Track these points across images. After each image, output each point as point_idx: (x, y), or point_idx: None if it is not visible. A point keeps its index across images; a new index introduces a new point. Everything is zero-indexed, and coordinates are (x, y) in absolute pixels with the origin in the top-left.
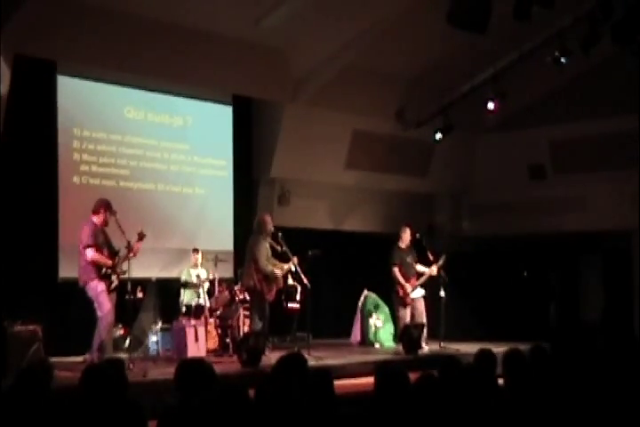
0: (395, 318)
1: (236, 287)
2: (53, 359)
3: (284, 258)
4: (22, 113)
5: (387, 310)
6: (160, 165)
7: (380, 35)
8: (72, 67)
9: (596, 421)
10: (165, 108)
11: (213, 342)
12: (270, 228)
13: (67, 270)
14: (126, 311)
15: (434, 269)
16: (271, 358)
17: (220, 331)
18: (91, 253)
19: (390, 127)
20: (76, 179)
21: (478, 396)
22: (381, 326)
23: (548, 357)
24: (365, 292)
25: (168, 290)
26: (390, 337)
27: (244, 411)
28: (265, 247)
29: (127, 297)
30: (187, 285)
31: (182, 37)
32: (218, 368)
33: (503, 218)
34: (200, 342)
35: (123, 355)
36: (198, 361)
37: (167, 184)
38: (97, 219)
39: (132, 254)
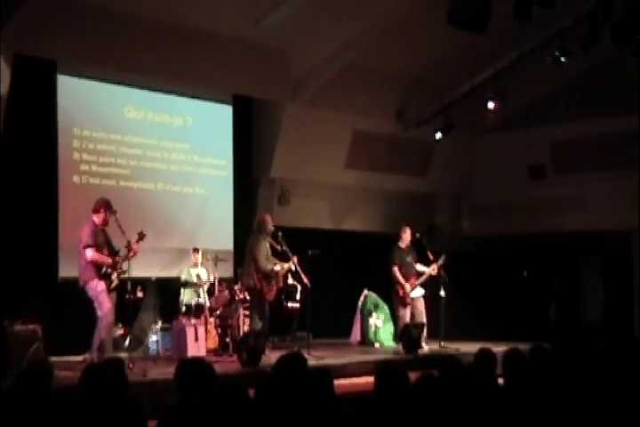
0: (395, 317)
1: (236, 287)
2: (53, 359)
3: (283, 258)
4: (22, 113)
5: (387, 309)
6: (160, 165)
7: (380, 35)
8: (72, 66)
9: (596, 421)
10: (165, 108)
11: (213, 342)
12: (270, 227)
13: (67, 270)
14: (126, 311)
15: (434, 269)
16: (271, 357)
17: (219, 330)
18: (90, 253)
19: (390, 127)
20: (76, 178)
21: (478, 396)
22: (381, 325)
23: (548, 357)
24: (365, 291)
25: (168, 289)
26: (390, 337)
27: (244, 411)
28: (265, 247)
29: (127, 297)
30: (187, 284)
31: (182, 37)
32: (218, 368)
33: (503, 218)
34: (200, 341)
35: (123, 354)
36: (198, 361)
37: (167, 184)
38: (97, 218)
39: (132, 254)
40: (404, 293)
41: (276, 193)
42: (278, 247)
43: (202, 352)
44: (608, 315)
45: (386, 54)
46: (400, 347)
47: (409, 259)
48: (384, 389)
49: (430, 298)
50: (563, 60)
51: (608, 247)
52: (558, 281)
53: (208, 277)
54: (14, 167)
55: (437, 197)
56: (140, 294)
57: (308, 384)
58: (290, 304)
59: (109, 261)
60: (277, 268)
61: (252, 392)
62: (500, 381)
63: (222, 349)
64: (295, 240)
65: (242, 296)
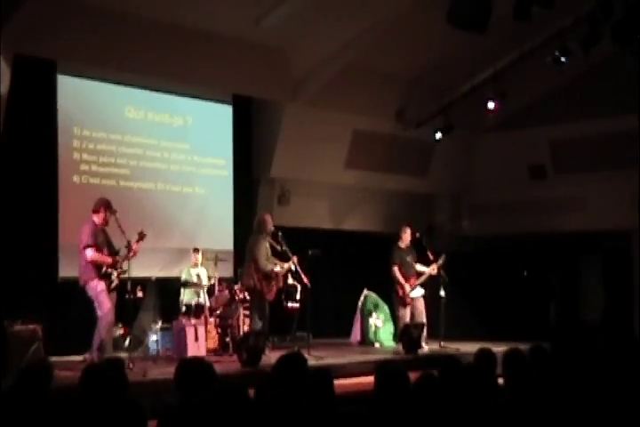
0: (395, 317)
1: (236, 287)
2: (53, 359)
3: (283, 257)
4: (22, 113)
5: (387, 309)
6: (160, 165)
7: (379, 35)
8: (72, 66)
9: (596, 421)
10: (165, 108)
11: (213, 342)
12: (270, 227)
13: (67, 270)
14: (126, 311)
15: (434, 269)
16: (271, 357)
17: (219, 330)
18: (90, 253)
19: (390, 127)
20: (76, 178)
21: (478, 396)
22: (381, 325)
23: (548, 357)
24: (365, 291)
25: (168, 289)
26: (390, 337)
27: (244, 411)
28: (265, 247)
29: (127, 296)
30: (187, 284)
31: (182, 37)
32: (218, 368)
33: (503, 218)
34: (200, 341)
35: (123, 354)
36: (198, 361)
37: (167, 184)
38: (97, 218)
39: (132, 254)
40: (404, 293)
41: (276, 193)
42: (278, 247)
43: (202, 352)
44: (608, 315)
45: (386, 54)
46: (400, 347)
47: (409, 259)
48: (384, 389)
49: (430, 298)
50: (563, 60)
51: (608, 247)
52: (558, 281)
53: (208, 277)
54: (14, 167)
55: (437, 197)
56: (140, 294)
57: (308, 384)
58: (290, 304)
59: (109, 261)
60: (277, 269)
61: (252, 392)
62: (500, 381)
63: (222, 349)
64: (295, 240)
65: (242, 296)
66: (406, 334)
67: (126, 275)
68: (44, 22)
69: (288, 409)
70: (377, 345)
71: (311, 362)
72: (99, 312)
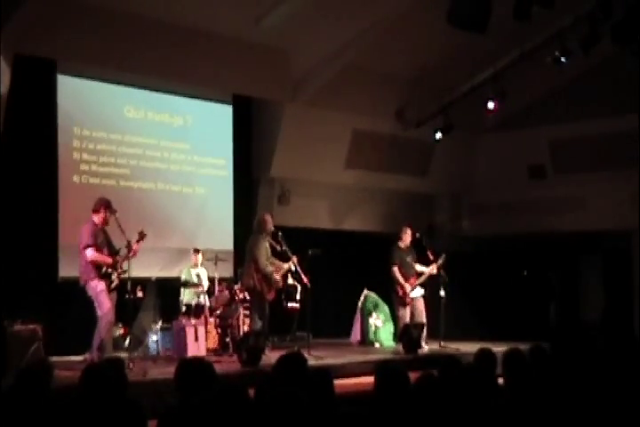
0: (394, 317)
1: (236, 287)
2: (53, 359)
3: (283, 257)
4: (22, 112)
5: (386, 309)
6: (160, 165)
7: (379, 34)
8: (72, 66)
9: (596, 421)
10: (165, 108)
11: (213, 342)
12: (270, 227)
13: (67, 270)
14: (126, 311)
15: (433, 269)
16: (271, 357)
17: (219, 330)
18: (90, 253)
19: (390, 127)
20: (76, 178)
21: (478, 396)
22: (381, 325)
23: (548, 357)
24: (365, 291)
25: (168, 289)
26: (390, 337)
27: (244, 411)
28: (265, 247)
29: (127, 296)
30: (187, 284)
31: (182, 37)
32: (218, 368)
33: (503, 218)
34: (200, 341)
35: (123, 354)
36: (198, 361)
37: (167, 183)
38: (97, 218)
39: (132, 254)
40: (404, 293)
41: (276, 193)
42: (278, 247)
43: (202, 352)
44: (608, 315)
45: (386, 54)
46: (400, 347)
47: (409, 259)
48: (384, 389)
49: (430, 298)
50: (563, 60)
51: (608, 247)
52: (558, 281)
53: (208, 277)
54: (14, 167)
55: (437, 197)
56: (140, 294)
57: (308, 384)
58: (290, 304)
59: (109, 261)
60: (277, 278)
61: (252, 392)
62: (500, 381)
63: (222, 349)
64: (295, 240)
65: (242, 296)
66: (406, 334)
67: (126, 275)
68: (44, 22)
69: (288, 409)
70: (377, 345)
71: (311, 362)
72: (99, 312)
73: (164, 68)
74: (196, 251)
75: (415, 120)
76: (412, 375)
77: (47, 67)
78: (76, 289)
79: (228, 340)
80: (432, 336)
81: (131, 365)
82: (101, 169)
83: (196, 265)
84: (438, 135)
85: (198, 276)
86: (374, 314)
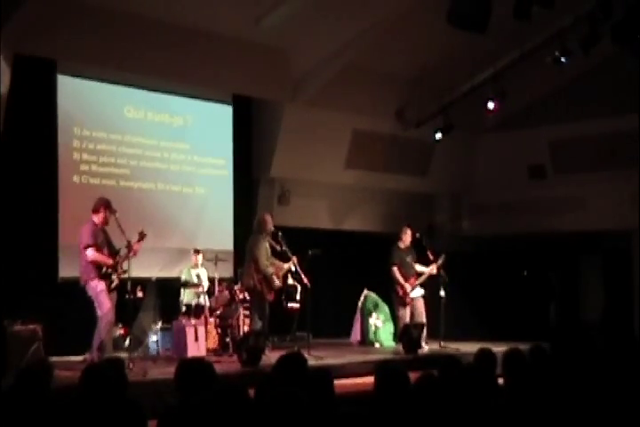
0: (394, 317)
1: (236, 287)
2: (53, 359)
3: (283, 257)
4: (22, 113)
5: (386, 309)
6: (160, 165)
7: (379, 34)
8: (72, 66)
9: (596, 421)
10: (165, 108)
11: (213, 342)
12: (270, 227)
13: (67, 270)
14: (126, 311)
15: (433, 269)
16: (271, 357)
17: (219, 330)
18: (90, 253)
19: (390, 127)
20: (75, 178)
21: (478, 396)
22: (381, 325)
23: (548, 357)
24: (365, 291)
25: (168, 290)
26: (390, 337)
27: (244, 411)
28: (265, 247)
29: (127, 297)
30: (187, 284)
31: (182, 37)
32: (218, 368)
33: (503, 218)
34: (200, 341)
35: (123, 354)
36: (198, 361)
37: (167, 184)
38: (97, 218)
39: (132, 254)
40: (404, 293)
41: (276, 193)
42: (278, 247)
43: (202, 352)
44: (608, 315)
45: (386, 54)
46: (400, 347)
47: (409, 259)
48: (384, 389)
49: (430, 298)
50: (563, 60)
51: (608, 247)
52: (558, 281)
53: (208, 277)
54: (14, 167)
55: (437, 197)
56: (140, 294)
57: (308, 384)
58: (290, 304)
59: (109, 261)
60: (277, 282)
61: (252, 392)
62: (500, 381)
63: (222, 349)
64: (295, 240)
65: (242, 296)
66: (406, 334)
67: (126, 275)
68: (44, 22)
69: (288, 409)
70: (377, 345)
71: (311, 362)
72: (99, 312)
73: (164, 68)
74: (196, 251)
75: (415, 120)
76: (412, 375)
77: (47, 67)
78: (76, 289)
79: (228, 340)
80: (432, 336)
81: (131, 365)
82: (101, 169)
83: (196, 265)
84: (438, 135)
85: (198, 276)
86: (374, 314)
